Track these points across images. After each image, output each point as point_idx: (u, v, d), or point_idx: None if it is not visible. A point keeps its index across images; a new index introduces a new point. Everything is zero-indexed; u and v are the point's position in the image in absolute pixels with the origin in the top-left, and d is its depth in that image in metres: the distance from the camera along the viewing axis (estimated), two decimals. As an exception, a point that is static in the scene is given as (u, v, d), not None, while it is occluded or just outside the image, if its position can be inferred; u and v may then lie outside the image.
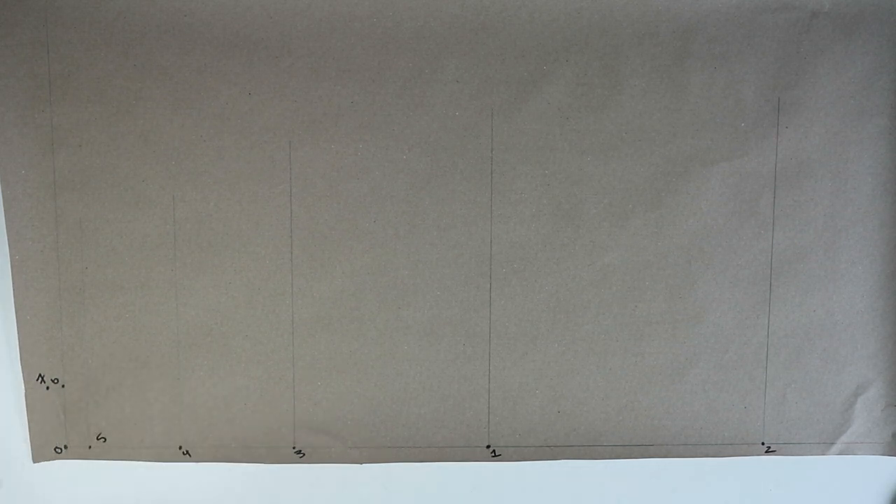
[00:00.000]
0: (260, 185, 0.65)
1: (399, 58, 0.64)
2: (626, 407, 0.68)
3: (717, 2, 0.65)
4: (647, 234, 0.67)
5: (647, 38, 0.65)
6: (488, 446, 0.68)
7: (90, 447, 0.67)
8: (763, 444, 0.68)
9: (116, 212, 0.64)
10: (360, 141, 0.65)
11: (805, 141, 0.66)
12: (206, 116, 0.64)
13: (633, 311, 0.67)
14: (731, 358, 0.68)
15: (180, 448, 0.67)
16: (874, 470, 0.69)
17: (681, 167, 0.66)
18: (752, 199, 0.66)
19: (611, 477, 0.69)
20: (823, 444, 0.69)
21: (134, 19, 0.63)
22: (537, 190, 0.66)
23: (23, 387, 0.66)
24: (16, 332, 0.65)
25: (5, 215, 0.64)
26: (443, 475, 0.68)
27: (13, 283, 0.65)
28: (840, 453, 0.69)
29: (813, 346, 0.68)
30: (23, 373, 0.65)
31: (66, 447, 0.66)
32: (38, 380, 0.66)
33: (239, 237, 0.65)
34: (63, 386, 0.66)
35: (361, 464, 0.68)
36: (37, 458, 0.67)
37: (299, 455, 0.67)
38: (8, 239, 0.64)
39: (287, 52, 0.64)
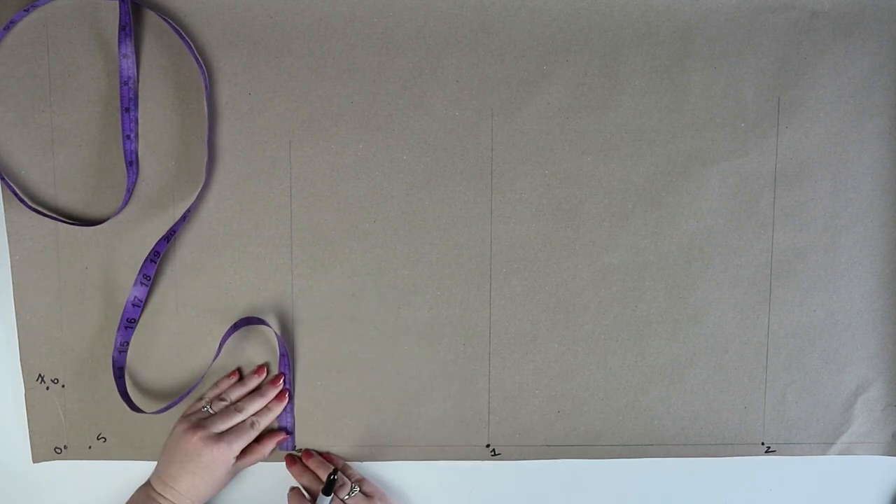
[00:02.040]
0: (260, 185, 0.65)
1: (399, 58, 0.64)
2: (626, 407, 0.68)
3: (717, 2, 0.65)
4: (647, 234, 0.67)
5: (647, 38, 0.65)
6: (488, 446, 0.68)
7: (90, 447, 0.66)
8: (763, 444, 0.68)
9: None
10: (360, 141, 0.65)
11: (805, 141, 0.66)
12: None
13: (633, 311, 0.67)
14: (731, 358, 0.68)
15: (180, 448, 0.67)
16: (874, 470, 0.69)
17: (681, 167, 0.66)
18: (752, 199, 0.66)
19: (611, 477, 0.69)
20: (823, 444, 0.69)
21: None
22: (537, 190, 0.66)
23: (23, 387, 0.66)
24: (16, 332, 0.65)
25: (5, 215, 0.64)
26: (443, 475, 0.68)
27: (13, 283, 0.65)
28: (840, 453, 0.69)
29: (813, 346, 0.68)
30: (23, 373, 0.65)
31: (66, 447, 0.66)
32: (38, 380, 0.66)
33: (239, 237, 0.65)
34: (63, 386, 0.66)
35: (362, 462, 0.68)
36: (37, 458, 0.67)
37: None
38: (8, 239, 0.64)
39: (287, 52, 0.64)
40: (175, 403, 0.64)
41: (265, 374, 0.66)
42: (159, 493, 0.61)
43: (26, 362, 0.65)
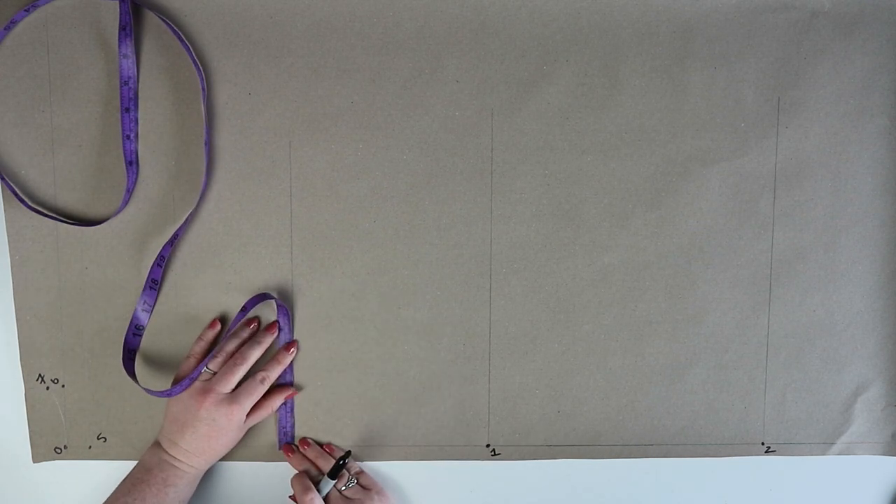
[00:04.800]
0: (260, 185, 0.65)
1: (399, 58, 0.64)
2: (626, 407, 0.68)
3: (717, 2, 0.65)
4: (647, 234, 0.67)
5: (647, 38, 0.65)
6: (488, 446, 0.68)
7: (90, 447, 0.66)
8: (763, 444, 0.68)
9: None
10: (360, 141, 0.65)
11: (805, 141, 0.66)
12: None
13: (633, 311, 0.67)
14: (731, 358, 0.68)
15: (180, 448, 0.67)
16: (874, 470, 0.69)
17: (681, 167, 0.66)
18: (752, 199, 0.66)
19: (611, 477, 0.69)
20: (823, 444, 0.69)
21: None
22: (537, 190, 0.66)
23: (23, 387, 0.66)
24: (16, 332, 0.65)
25: (5, 215, 0.64)
26: (443, 474, 0.68)
27: (13, 283, 0.65)
28: (840, 453, 0.69)
29: (813, 346, 0.68)
30: (23, 373, 0.65)
31: (66, 447, 0.66)
32: (38, 380, 0.66)
33: (239, 237, 0.65)
34: (63, 386, 0.66)
35: (362, 461, 0.68)
36: (37, 458, 0.67)
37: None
38: (8, 239, 0.64)
39: (287, 52, 0.64)
40: (186, 385, 0.62)
41: (257, 326, 0.65)
42: (173, 457, 0.62)
43: (26, 362, 0.65)
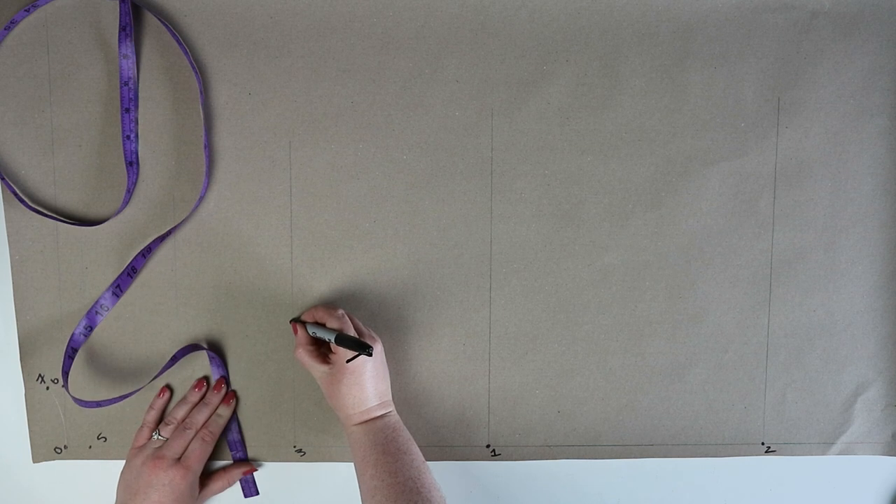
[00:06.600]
0: (260, 185, 0.65)
1: (399, 58, 0.64)
2: (626, 407, 0.68)
3: (717, 2, 0.65)
4: (647, 234, 0.67)
5: (647, 38, 0.65)
6: (488, 446, 0.68)
7: (90, 447, 0.66)
8: (763, 444, 0.68)
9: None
10: (360, 141, 0.65)
11: (805, 141, 0.66)
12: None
13: (633, 311, 0.67)
14: (731, 358, 0.68)
15: (180, 448, 0.67)
16: (874, 470, 0.69)
17: (681, 167, 0.66)
18: (752, 199, 0.66)
19: (611, 477, 0.69)
20: (823, 444, 0.69)
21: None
22: (537, 190, 0.66)
23: (23, 387, 0.66)
24: (16, 332, 0.65)
25: (5, 215, 0.64)
26: (443, 474, 0.68)
27: (13, 283, 0.65)
28: (840, 453, 0.69)
29: (813, 346, 0.68)
30: (23, 373, 0.65)
31: (66, 447, 0.66)
32: (38, 380, 0.66)
33: (239, 237, 0.65)
34: (63, 386, 0.66)
35: (361, 464, 0.68)
36: (37, 458, 0.67)
37: (300, 454, 0.67)
38: (8, 239, 0.64)
39: (287, 52, 0.64)
40: (116, 400, 0.63)
41: (205, 387, 0.66)
42: None
43: (26, 362, 0.65)
